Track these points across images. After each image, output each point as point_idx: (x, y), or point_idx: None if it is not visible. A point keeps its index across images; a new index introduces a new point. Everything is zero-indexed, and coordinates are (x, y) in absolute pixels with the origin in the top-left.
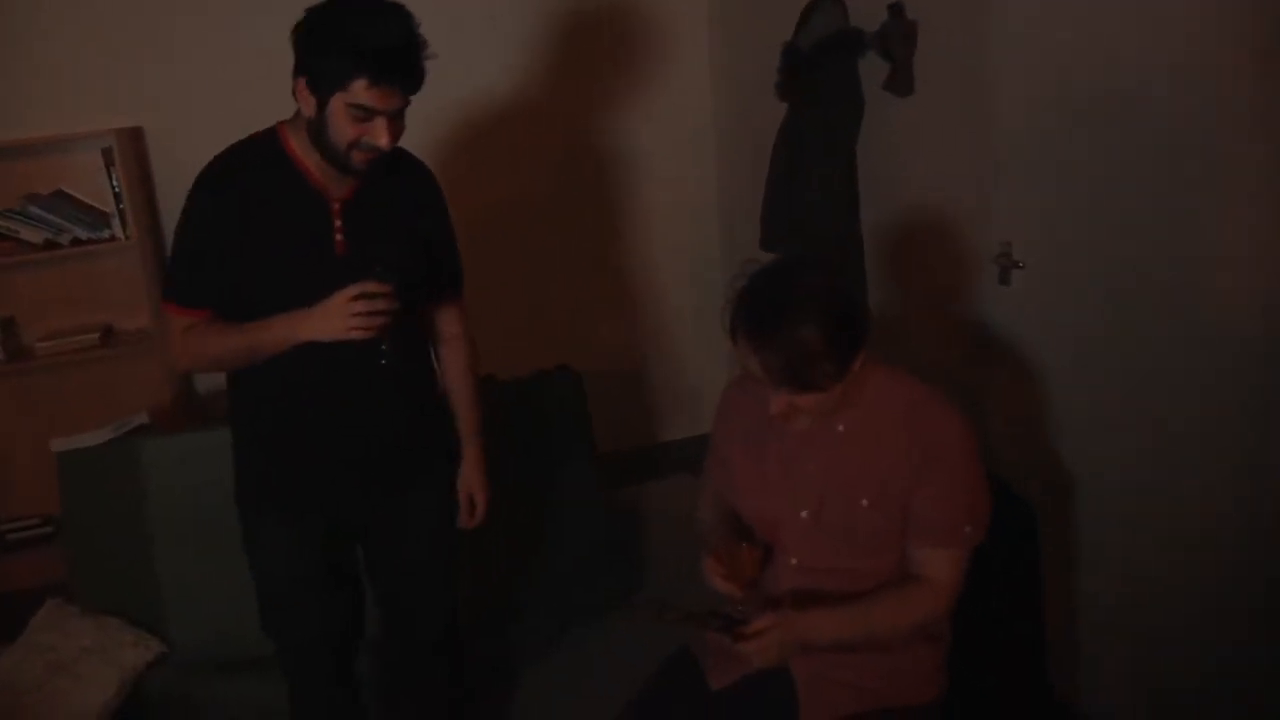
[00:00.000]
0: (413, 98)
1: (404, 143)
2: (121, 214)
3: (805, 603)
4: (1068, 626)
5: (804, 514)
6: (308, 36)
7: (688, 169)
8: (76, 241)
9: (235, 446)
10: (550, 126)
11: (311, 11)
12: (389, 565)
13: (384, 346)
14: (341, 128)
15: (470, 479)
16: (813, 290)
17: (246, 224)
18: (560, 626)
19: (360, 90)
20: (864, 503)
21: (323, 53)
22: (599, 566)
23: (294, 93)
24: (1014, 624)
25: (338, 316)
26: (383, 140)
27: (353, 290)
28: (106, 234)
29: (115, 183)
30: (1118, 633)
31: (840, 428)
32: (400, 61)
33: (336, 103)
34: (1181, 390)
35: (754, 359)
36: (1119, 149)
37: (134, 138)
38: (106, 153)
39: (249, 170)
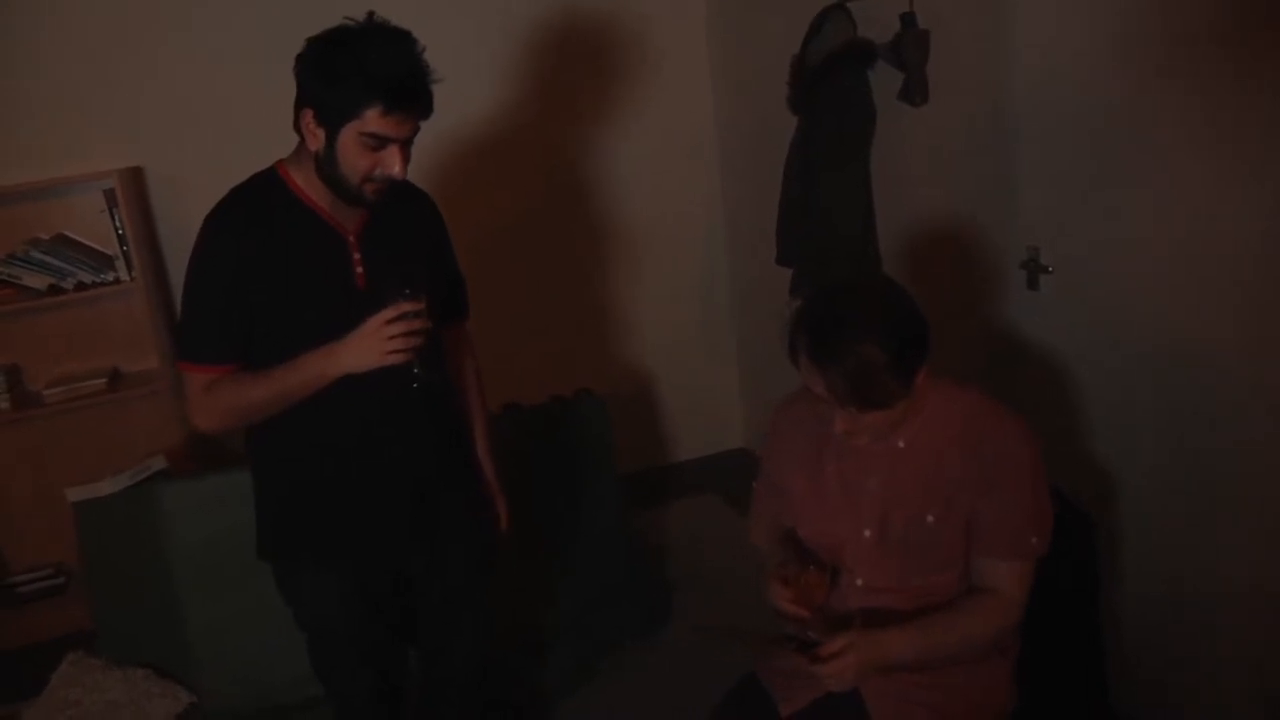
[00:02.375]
0: (422, 124)
1: None
2: (126, 255)
3: (876, 622)
4: (1115, 631)
5: (867, 533)
6: (314, 67)
7: (692, 186)
8: (81, 286)
9: (261, 499)
10: (549, 150)
11: (315, 41)
12: (431, 591)
13: (416, 370)
14: (353, 160)
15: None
16: (873, 307)
17: (265, 264)
18: (592, 655)
19: (374, 119)
20: (929, 518)
21: (332, 82)
22: (628, 593)
23: (297, 127)
24: (1075, 634)
25: (375, 342)
26: (396, 169)
27: (389, 313)
28: (111, 276)
29: (119, 224)
30: (1163, 636)
31: (900, 443)
32: (412, 86)
33: (348, 133)
34: (1220, 389)
35: (818, 380)
36: (1145, 148)
37: (135, 177)
38: (108, 194)
39: (260, 210)
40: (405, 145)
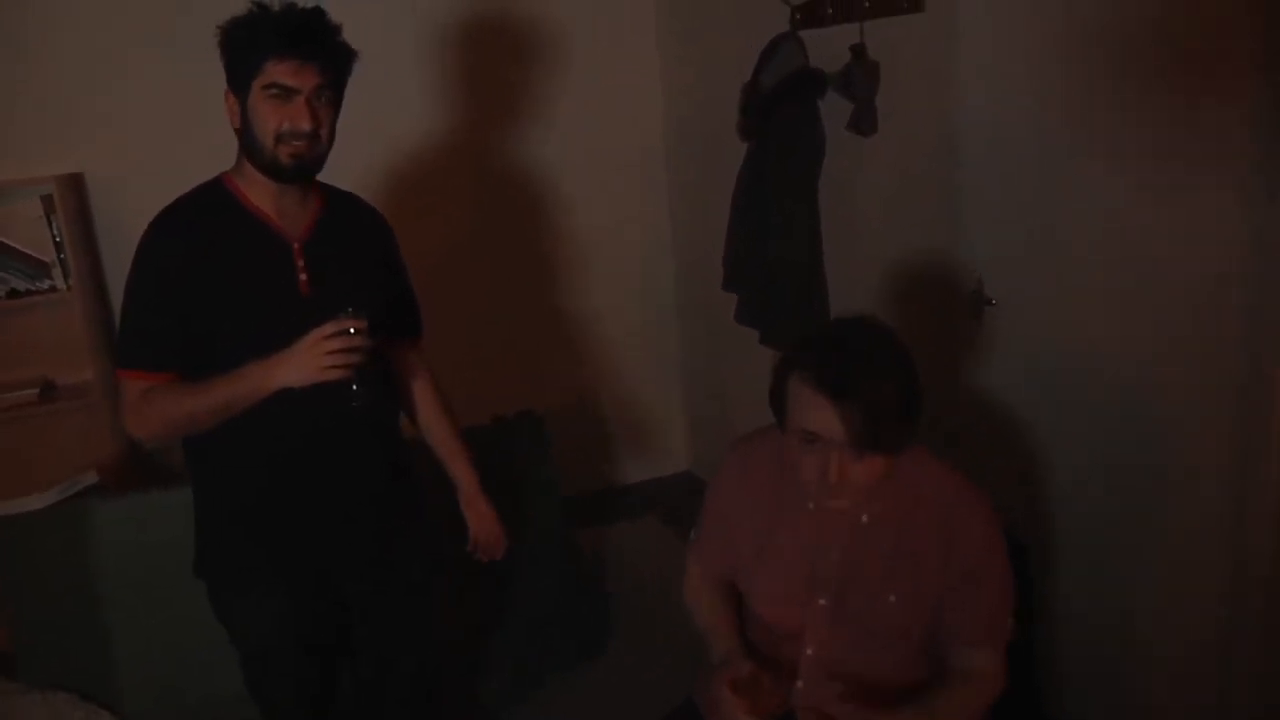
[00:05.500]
0: (336, 87)
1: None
2: (62, 263)
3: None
4: (1048, 653)
5: (822, 601)
6: (225, 40)
7: (640, 209)
8: (14, 293)
9: (201, 516)
10: (494, 169)
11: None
12: (369, 612)
13: (355, 387)
14: (263, 120)
15: (479, 508)
16: (889, 351)
17: (206, 269)
18: (532, 677)
19: (271, 68)
20: (891, 599)
21: (234, 49)
22: (569, 616)
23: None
24: (1010, 658)
25: (312, 357)
26: (303, 122)
27: (328, 328)
28: (46, 284)
29: (56, 231)
30: (1095, 657)
31: (864, 518)
32: (305, 31)
33: (255, 93)
34: (1160, 420)
35: (826, 414)
36: (1086, 182)
37: (74, 184)
38: (46, 200)
39: (203, 216)
40: (316, 103)
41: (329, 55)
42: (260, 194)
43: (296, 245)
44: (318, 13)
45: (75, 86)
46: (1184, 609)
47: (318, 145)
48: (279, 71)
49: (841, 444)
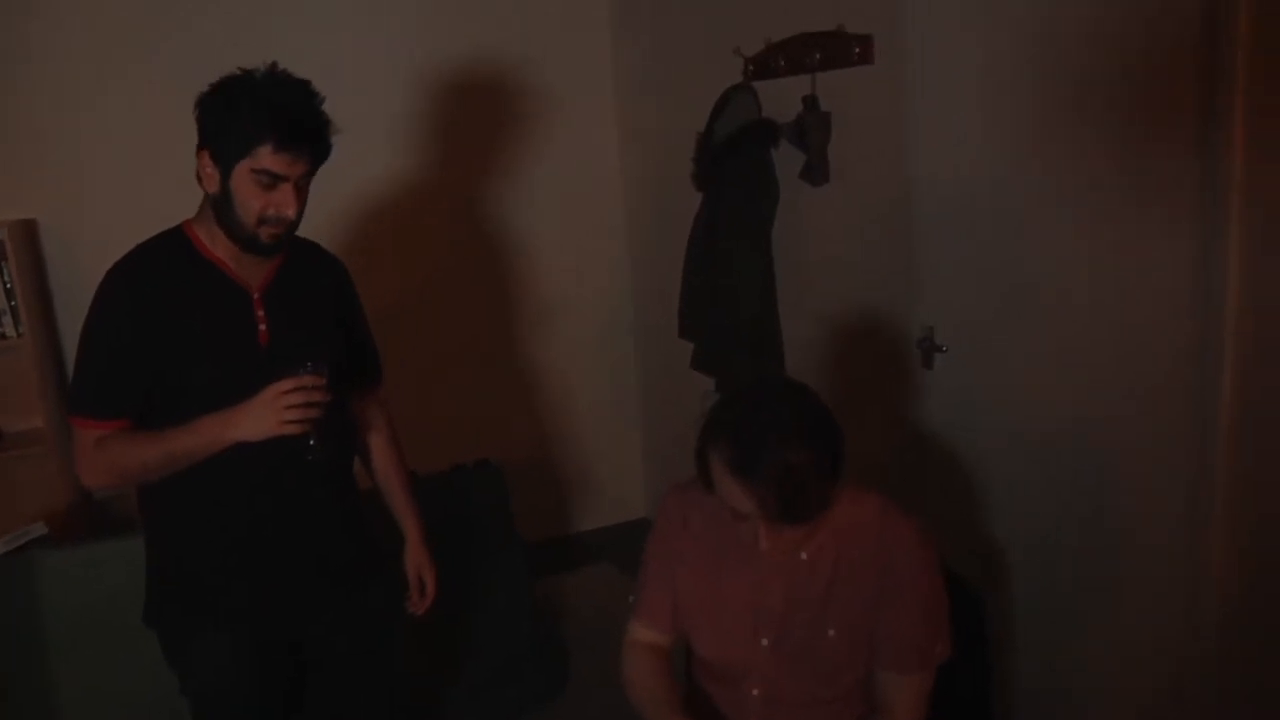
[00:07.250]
0: (316, 173)
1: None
2: (13, 310)
3: None
4: (1005, 708)
5: (765, 642)
6: (211, 106)
7: (600, 256)
8: None
9: (153, 561)
10: (453, 217)
11: (215, 83)
12: (322, 664)
13: (311, 441)
14: (247, 200)
15: (418, 559)
16: (792, 413)
17: (165, 319)
18: None
19: (265, 155)
20: (830, 633)
21: (226, 120)
22: (527, 664)
23: (197, 171)
24: (966, 714)
25: (270, 411)
26: (290, 210)
27: (287, 384)
28: None
29: (7, 278)
30: (1052, 711)
31: (803, 555)
32: (306, 125)
33: (241, 172)
34: (1112, 467)
35: (741, 495)
36: (1034, 232)
37: (27, 230)
38: None
39: (162, 265)
40: (300, 186)
41: (319, 148)
42: (220, 244)
43: (256, 295)
44: (312, 104)
45: (29, 131)
46: (1140, 655)
47: (295, 224)
48: (273, 161)
49: (763, 519)
